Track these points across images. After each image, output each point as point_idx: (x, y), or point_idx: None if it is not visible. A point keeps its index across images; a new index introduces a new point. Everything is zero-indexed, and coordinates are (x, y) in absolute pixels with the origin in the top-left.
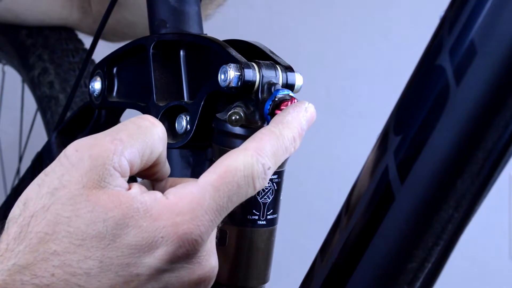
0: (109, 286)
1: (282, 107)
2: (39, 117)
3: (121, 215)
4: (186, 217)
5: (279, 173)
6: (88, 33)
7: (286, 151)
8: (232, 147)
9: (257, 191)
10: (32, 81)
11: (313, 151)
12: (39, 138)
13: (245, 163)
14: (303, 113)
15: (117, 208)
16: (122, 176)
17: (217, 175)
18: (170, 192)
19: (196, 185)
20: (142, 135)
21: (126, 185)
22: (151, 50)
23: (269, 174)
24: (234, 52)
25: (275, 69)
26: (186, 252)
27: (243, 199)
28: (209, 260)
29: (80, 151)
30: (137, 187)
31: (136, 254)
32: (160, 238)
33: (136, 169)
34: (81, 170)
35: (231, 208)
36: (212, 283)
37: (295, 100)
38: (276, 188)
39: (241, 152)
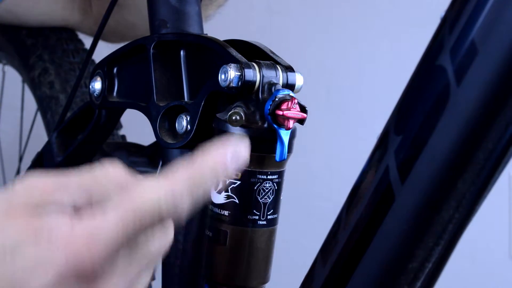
0: None
1: (282, 107)
2: (39, 117)
3: (27, 235)
4: (81, 240)
5: (279, 173)
6: (88, 33)
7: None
8: None
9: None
10: (33, 81)
11: (313, 151)
12: (39, 138)
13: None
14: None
15: (27, 230)
16: (61, 210)
17: (123, 211)
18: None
19: (102, 213)
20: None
21: (59, 218)
22: (151, 50)
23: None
24: (234, 52)
25: (276, 69)
26: (74, 273)
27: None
28: (105, 284)
29: (27, 181)
30: (62, 221)
31: (28, 271)
32: (51, 257)
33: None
34: (22, 196)
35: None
36: None
37: (296, 100)
38: (276, 188)
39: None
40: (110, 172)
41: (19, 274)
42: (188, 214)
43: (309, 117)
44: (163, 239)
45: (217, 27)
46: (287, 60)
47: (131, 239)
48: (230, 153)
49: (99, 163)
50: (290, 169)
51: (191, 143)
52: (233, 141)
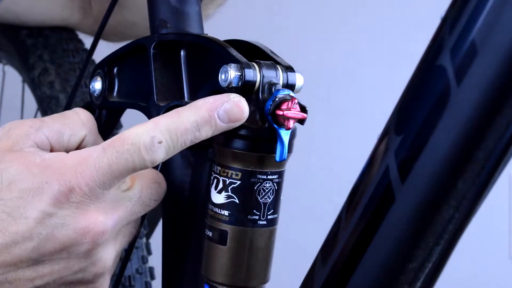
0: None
1: (282, 107)
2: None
3: (19, 165)
4: (70, 167)
5: (279, 173)
6: (88, 33)
7: (186, 132)
8: (233, 147)
9: (148, 163)
10: (33, 81)
11: (313, 151)
12: None
13: (136, 133)
14: (219, 102)
15: (17, 160)
16: (39, 146)
17: (111, 140)
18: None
19: (93, 147)
20: (62, 118)
21: (41, 151)
22: (151, 50)
23: (160, 148)
24: (234, 52)
25: (276, 69)
26: (67, 198)
27: (132, 166)
28: (95, 213)
29: (6, 127)
30: (54, 153)
31: (25, 197)
32: (45, 183)
33: (57, 145)
34: (2, 139)
35: (122, 172)
36: (98, 238)
37: (296, 100)
38: (276, 188)
39: (140, 125)
40: (80, 115)
41: (16, 202)
42: (166, 158)
43: (309, 117)
44: (151, 191)
45: (217, 27)
46: (287, 60)
47: (113, 170)
48: (222, 106)
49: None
50: (290, 169)
51: None
52: (228, 97)
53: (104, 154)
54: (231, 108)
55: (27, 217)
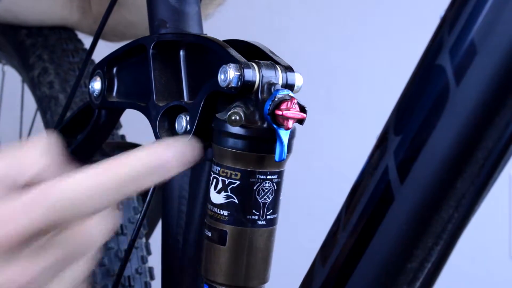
0: None
1: (282, 107)
2: (39, 117)
3: None
4: None
5: (278, 173)
6: (88, 33)
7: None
8: (232, 147)
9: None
10: (32, 81)
11: (313, 151)
12: None
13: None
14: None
15: None
16: None
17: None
18: None
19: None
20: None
21: None
22: (151, 50)
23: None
24: (234, 52)
25: (275, 69)
26: None
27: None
28: (10, 270)
29: None
30: None
31: None
32: None
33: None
34: None
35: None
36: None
37: (295, 100)
38: (276, 188)
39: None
40: (30, 155)
41: None
42: (112, 208)
43: (309, 117)
44: (88, 231)
45: (217, 27)
46: (287, 60)
47: (38, 233)
48: (172, 153)
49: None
50: (290, 169)
51: None
52: (178, 142)
53: (24, 206)
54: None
55: None
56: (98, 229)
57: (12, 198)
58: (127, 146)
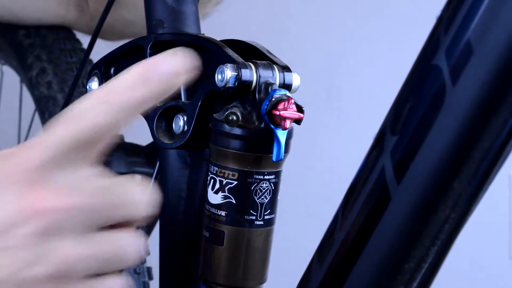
0: None
1: (279, 107)
2: (37, 118)
3: None
4: (15, 149)
5: (276, 173)
6: (85, 31)
7: (122, 89)
8: (230, 147)
9: (89, 123)
10: (30, 82)
11: (313, 151)
12: None
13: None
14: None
15: None
16: None
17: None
18: None
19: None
20: None
21: None
22: (148, 50)
23: (98, 108)
24: (231, 52)
25: (272, 69)
26: (9, 177)
27: (76, 131)
28: (43, 192)
29: None
30: None
31: None
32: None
33: None
34: None
35: (71, 144)
36: (47, 219)
37: (292, 100)
38: (273, 188)
39: None
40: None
41: None
42: (109, 121)
43: (309, 117)
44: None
45: (216, 27)
46: (287, 60)
47: (66, 143)
48: (180, 61)
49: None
50: (289, 169)
51: (188, 143)
52: (181, 51)
53: (49, 132)
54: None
55: None
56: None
57: None
58: (125, 146)
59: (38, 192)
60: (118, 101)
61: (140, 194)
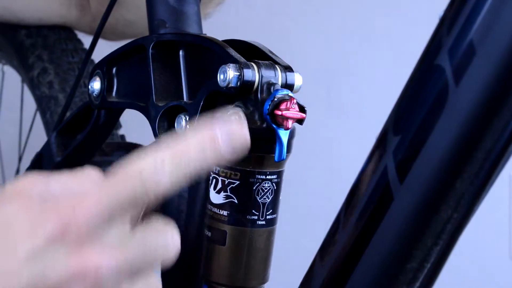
0: None
1: (281, 107)
2: (38, 117)
3: (18, 203)
4: (67, 201)
5: (278, 173)
6: (87, 31)
7: (189, 153)
8: None
9: (150, 189)
10: (32, 81)
11: (313, 151)
12: (39, 138)
13: (137, 159)
14: (219, 122)
15: (18, 200)
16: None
17: (111, 171)
18: None
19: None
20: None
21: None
22: (150, 50)
23: (163, 171)
24: (233, 52)
25: (274, 69)
26: (62, 235)
27: (133, 194)
28: (92, 252)
29: (15, 180)
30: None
31: (18, 232)
32: (40, 219)
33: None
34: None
35: (123, 204)
36: (95, 279)
37: (295, 100)
38: (275, 188)
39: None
40: (89, 173)
41: (6, 238)
42: (170, 192)
43: (309, 117)
44: (161, 237)
45: (217, 27)
46: (287, 60)
47: (118, 203)
48: (221, 131)
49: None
50: (290, 169)
51: None
52: (226, 117)
53: (103, 186)
54: (233, 130)
55: (16, 254)
56: (174, 240)
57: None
58: (127, 146)
59: (87, 253)
60: (186, 164)
61: (171, 238)
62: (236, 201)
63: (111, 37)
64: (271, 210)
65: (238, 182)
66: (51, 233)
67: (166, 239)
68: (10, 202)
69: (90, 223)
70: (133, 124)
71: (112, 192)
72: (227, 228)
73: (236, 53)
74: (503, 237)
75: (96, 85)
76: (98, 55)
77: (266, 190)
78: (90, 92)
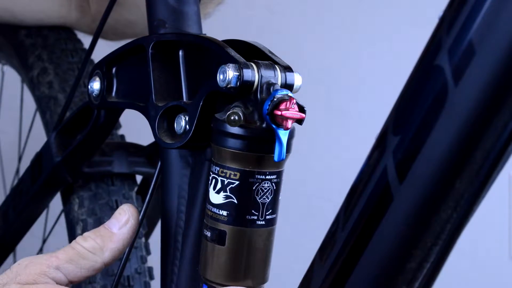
0: None
1: (281, 107)
2: (38, 117)
3: None
4: None
5: (278, 173)
6: (87, 32)
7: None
8: (231, 147)
9: None
10: (31, 81)
11: (313, 151)
12: (39, 138)
13: None
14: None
15: None
16: (57, 282)
17: None
18: None
19: None
20: (75, 253)
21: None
22: (150, 50)
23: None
24: (233, 52)
25: (274, 69)
26: None
27: None
28: None
29: (23, 263)
30: None
31: None
32: None
33: (76, 278)
34: (22, 275)
35: None
36: None
37: (294, 100)
38: (275, 188)
39: None
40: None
41: None
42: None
43: (309, 117)
44: None
45: (217, 27)
46: (287, 60)
47: None
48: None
49: None
50: (290, 169)
51: (189, 143)
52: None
53: None
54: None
55: None
56: None
57: None
58: (126, 146)
59: None
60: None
61: None
62: (235, 201)
63: (111, 37)
64: (270, 210)
65: (237, 182)
66: None
67: None
68: None
69: None
70: (133, 124)
71: None
72: (226, 228)
73: (236, 53)
74: (503, 237)
75: (95, 85)
76: (98, 55)
77: (265, 190)
78: (89, 92)
